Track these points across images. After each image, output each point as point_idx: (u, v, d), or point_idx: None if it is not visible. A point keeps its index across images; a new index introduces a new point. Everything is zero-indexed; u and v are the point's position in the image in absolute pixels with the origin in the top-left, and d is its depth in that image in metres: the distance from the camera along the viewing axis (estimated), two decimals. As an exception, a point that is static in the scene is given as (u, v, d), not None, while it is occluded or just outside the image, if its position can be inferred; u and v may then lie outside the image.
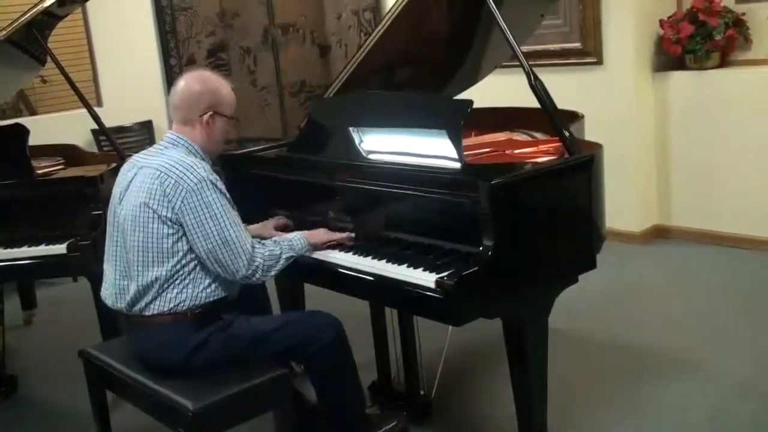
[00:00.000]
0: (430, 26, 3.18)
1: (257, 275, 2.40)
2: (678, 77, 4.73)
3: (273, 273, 2.45)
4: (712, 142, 4.65)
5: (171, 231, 2.34)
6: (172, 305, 2.38)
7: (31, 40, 3.59)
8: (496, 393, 3.07)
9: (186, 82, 2.51)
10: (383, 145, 2.76)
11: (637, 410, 2.97)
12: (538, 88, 2.54)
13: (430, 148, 2.57)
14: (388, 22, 2.92)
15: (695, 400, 3.00)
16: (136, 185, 2.41)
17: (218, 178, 2.41)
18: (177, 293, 2.37)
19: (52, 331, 4.31)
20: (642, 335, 3.61)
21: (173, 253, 2.36)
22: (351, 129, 2.80)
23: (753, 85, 4.47)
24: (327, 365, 2.55)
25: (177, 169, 2.36)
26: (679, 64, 4.75)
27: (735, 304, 3.88)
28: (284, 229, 2.79)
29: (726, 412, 2.90)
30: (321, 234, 2.60)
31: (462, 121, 2.48)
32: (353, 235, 2.59)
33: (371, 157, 2.75)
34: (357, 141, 2.78)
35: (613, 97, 4.74)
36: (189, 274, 2.38)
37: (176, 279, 2.37)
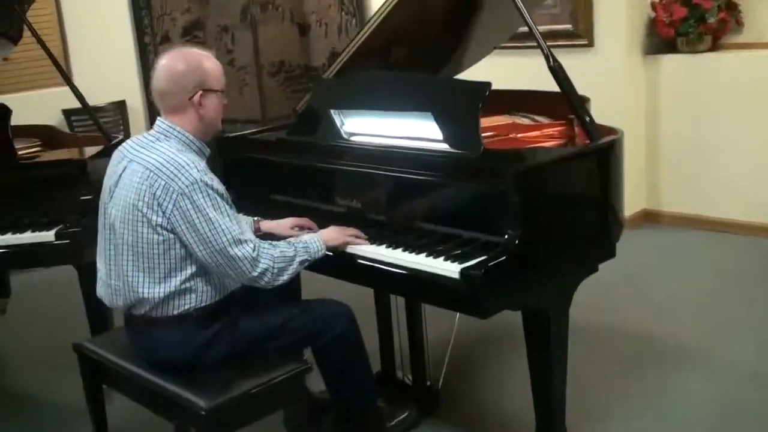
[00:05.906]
0: (431, 5, 3.07)
1: (266, 278, 2.22)
2: (669, 60, 4.69)
3: (286, 277, 2.26)
4: (702, 127, 4.62)
5: (162, 238, 2.18)
6: (176, 312, 2.24)
7: (2, 17, 3.39)
8: (505, 383, 3.00)
9: (167, 63, 2.28)
10: (392, 129, 2.64)
11: (649, 400, 2.92)
12: (557, 71, 2.46)
13: (442, 133, 2.45)
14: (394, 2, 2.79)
15: (702, 389, 2.97)
16: (125, 182, 2.24)
17: (213, 175, 2.23)
18: (179, 302, 2.23)
19: (26, 320, 4.14)
20: (639, 323, 3.57)
21: (167, 260, 2.20)
22: (358, 112, 2.69)
23: (744, 68, 4.45)
24: (339, 356, 2.45)
25: (168, 169, 2.17)
26: (670, 47, 4.71)
27: (726, 289, 3.87)
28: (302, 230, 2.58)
29: (736, 401, 2.86)
30: (336, 234, 2.41)
31: (480, 105, 2.38)
32: (367, 237, 2.42)
33: (381, 141, 2.64)
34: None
35: (604, 80, 4.66)
36: (189, 280, 2.23)
37: (176, 288, 2.21)
